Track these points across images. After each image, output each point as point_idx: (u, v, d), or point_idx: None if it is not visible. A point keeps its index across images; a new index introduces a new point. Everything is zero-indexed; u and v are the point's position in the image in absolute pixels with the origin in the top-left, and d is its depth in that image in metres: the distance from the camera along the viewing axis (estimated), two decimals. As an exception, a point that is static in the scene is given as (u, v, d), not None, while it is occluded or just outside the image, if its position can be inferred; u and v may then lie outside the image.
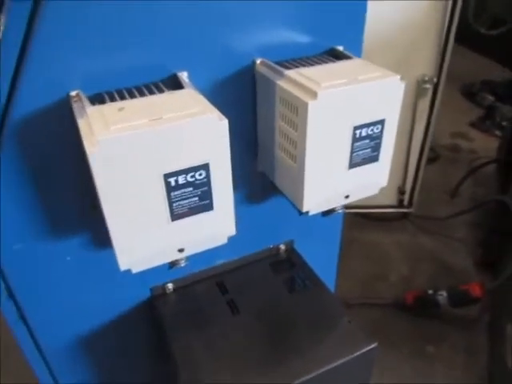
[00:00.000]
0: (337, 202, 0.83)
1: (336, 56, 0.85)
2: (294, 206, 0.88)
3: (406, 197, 2.48)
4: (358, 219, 2.56)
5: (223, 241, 0.75)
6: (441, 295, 1.94)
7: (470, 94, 3.86)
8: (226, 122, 0.63)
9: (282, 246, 1.10)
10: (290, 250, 1.12)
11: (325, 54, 0.86)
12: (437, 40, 2.03)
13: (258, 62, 0.81)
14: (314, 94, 0.69)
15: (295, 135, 0.74)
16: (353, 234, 2.49)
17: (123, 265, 0.68)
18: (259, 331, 0.91)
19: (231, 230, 0.74)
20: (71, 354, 0.99)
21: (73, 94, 0.70)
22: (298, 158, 0.75)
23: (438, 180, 2.97)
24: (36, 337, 0.92)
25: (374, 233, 2.53)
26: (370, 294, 2.14)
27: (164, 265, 0.96)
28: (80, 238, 0.83)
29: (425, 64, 2.10)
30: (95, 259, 0.87)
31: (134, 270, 0.70)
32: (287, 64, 0.81)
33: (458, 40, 2.08)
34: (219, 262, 1.04)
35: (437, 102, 2.19)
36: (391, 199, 2.49)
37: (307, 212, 0.81)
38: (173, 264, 0.76)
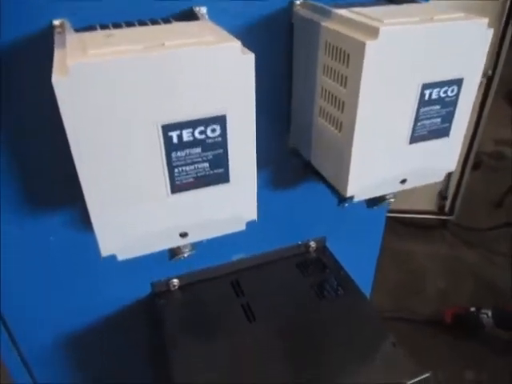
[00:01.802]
0: (389, 188, 0.65)
1: (396, 2, 0.66)
2: (333, 191, 0.70)
3: (448, 203, 2.25)
4: (392, 224, 2.34)
5: (240, 227, 0.57)
6: (485, 314, 1.71)
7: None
8: (251, 56, 0.46)
9: (313, 244, 0.92)
10: (322, 248, 0.93)
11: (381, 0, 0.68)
12: (495, 27, 1.81)
13: (298, 2, 0.63)
14: (374, 32, 0.50)
15: (343, 93, 0.56)
16: (385, 241, 2.27)
17: (105, 249, 0.51)
18: (278, 346, 0.73)
19: (252, 214, 0.56)
20: (57, 358, 0.84)
21: (56, 23, 0.53)
22: (345, 125, 0.57)
23: (481, 189, 2.72)
24: (15, 338, 0.77)
25: (408, 241, 2.30)
26: (402, 308, 1.92)
27: (166, 256, 0.80)
28: (63, 216, 0.67)
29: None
30: (82, 242, 0.70)
31: (120, 257, 0.53)
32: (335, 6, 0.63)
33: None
34: (235, 257, 0.87)
35: (489, 99, 1.97)
36: (431, 204, 2.26)
37: (351, 198, 0.63)
38: (174, 254, 0.59)
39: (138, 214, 0.50)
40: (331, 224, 0.91)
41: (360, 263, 0.93)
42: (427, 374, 0.69)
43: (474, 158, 2.16)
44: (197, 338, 0.75)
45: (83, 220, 0.67)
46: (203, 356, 0.72)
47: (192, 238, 0.55)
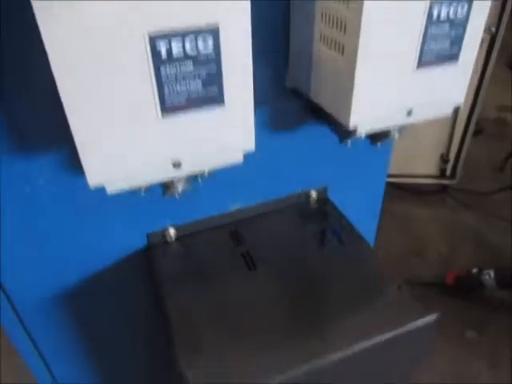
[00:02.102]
0: (394, 119, 0.61)
1: None
2: (334, 128, 0.66)
3: (449, 166, 2.21)
4: (393, 189, 2.31)
5: (238, 158, 0.54)
6: (487, 275, 1.70)
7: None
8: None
9: (313, 194, 0.89)
10: (323, 199, 0.90)
11: None
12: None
13: None
14: None
15: (345, 13, 0.52)
16: (385, 205, 2.25)
17: (92, 179, 0.48)
18: (280, 292, 0.71)
19: (249, 143, 0.53)
20: (52, 313, 0.81)
21: None
22: (347, 46, 0.53)
23: (483, 154, 2.68)
24: (8, 292, 0.75)
25: (409, 205, 2.28)
26: (404, 271, 1.91)
27: (163, 205, 0.77)
28: (52, 156, 0.63)
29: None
30: (73, 187, 0.67)
31: (109, 189, 0.50)
32: None
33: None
34: (234, 206, 0.84)
35: (491, 60, 1.91)
36: (432, 168, 2.23)
37: (354, 132, 0.59)
38: (167, 188, 0.55)
39: (126, 139, 0.47)
40: (333, 171, 0.87)
41: (362, 214, 0.90)
42: (435, 316, 0.67)
43: (475, 124, 2.13)
44: (195, 287, 0.72)
45: (74, 161, 0.64)
46: (203, 304, 0.69)
47: (186, 169, 0.51)
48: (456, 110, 2.02)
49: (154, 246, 0.81)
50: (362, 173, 0.89)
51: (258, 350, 0.62)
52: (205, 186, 0.68)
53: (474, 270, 1.74)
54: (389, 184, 2.34)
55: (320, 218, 0.86)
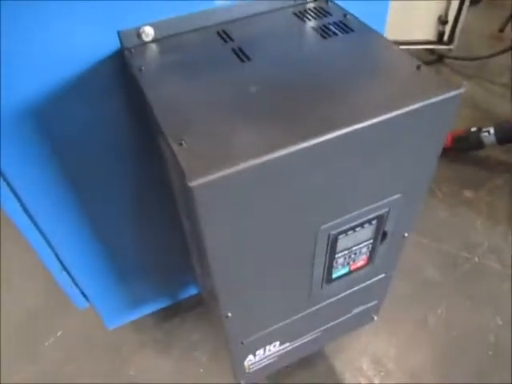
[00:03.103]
0: None
1: None
2: None
3: (447, 29, 2.06)
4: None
5: None
6: (486, 132, 1.63)
7: None
8: None
9: (312, -6, 0.76)
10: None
11: None
12: None
13: None
14: None
15: None
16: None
17: None
18: (280, 79, 0.60)
19: None
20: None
21: None
22: None
23: (481, 24, 2.52)
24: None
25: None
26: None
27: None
28: None
29: None
30: None
31: None
32: None
33: None
34: (220, 2, 0.70)
35: None
36: (430, 33, 2.07)
37: None
38: None
39: None
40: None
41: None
42: (461, 89, 0.58)
43: None
44: (180, 79, 0.62)
45: None
46: (190, 92, 0.59)
47: None
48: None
49: (129, 48, 0.68)
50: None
51: (252, 127, 0.53)
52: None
53: (473, 129, 1.67)
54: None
55: (321, 14, 0.73)
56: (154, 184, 0.89)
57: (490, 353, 1.23)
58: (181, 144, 0.50)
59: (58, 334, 1.30)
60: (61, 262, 0.94)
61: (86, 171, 0.81)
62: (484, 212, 1.59)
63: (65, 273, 0.95)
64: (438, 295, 1.36)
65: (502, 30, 2.21)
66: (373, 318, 1.05)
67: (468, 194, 1.66)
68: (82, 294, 1.04)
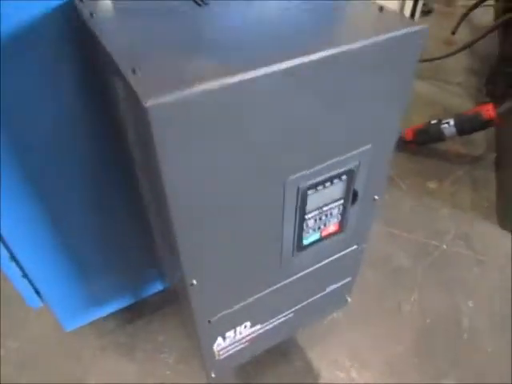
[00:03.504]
0: None
1: None
2: None
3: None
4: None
5: None
6: (446, 123, 1.66)
7: None
8: None
9: None
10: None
11: None
12: None
13: None
14: None
15: None
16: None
17: None
18: (235, 19, 0.58)
19: None
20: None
21: None
22: None
23: (432, 33, 2.61)
24: None
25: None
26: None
27: None
28: None
29: None
30: None
31: None
32: None
33: None
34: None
35: None
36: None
37: None
38: None
39: None
40: None
41: None
42: (424, 26, 0.56)
43: (423, 4, 2.02)
44: (133, 22, 0.58)
45: None
46: (143, 34, 0.55)
47: None
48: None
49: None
50: None
51: (207, 60, 0.49)
52: None
53: (434, 121, 1.70)
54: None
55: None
56: (114, 168, 0.83)
57: (465, 336, 1.21)
58: (134, 71, 0.46)
59: (11, 341, 1.19)
60: (10, 252, 0.86)
61: (38, 150, 0.74)
62: (449, 202, 1.60)
63: (13, 263, 0.87)
64: (410, 283, 1.34)
65: (453, 33, 2.30)
66: (347, 301, 1.01)
67: (432, 185, 1.67)
68: (35, 290, 0.96)
